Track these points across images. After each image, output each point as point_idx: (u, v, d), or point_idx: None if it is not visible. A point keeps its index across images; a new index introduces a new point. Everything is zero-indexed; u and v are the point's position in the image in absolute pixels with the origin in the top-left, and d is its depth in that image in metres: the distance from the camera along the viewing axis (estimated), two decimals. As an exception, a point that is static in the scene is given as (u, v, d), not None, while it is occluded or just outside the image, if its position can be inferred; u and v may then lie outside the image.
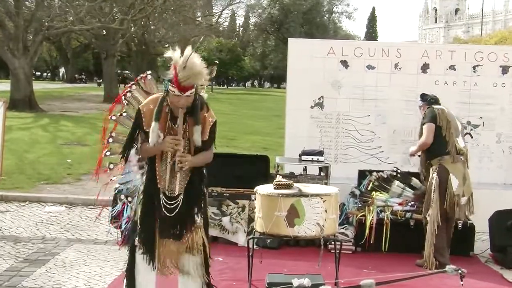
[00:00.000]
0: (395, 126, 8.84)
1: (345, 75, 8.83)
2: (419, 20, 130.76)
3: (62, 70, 79.05)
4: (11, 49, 25.84)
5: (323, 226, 4.88)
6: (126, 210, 5.33)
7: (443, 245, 6.53)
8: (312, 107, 8.85)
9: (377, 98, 8.84)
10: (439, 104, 6.80)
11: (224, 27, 76.32)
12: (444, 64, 8.81)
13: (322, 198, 4.89)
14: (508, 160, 8.86)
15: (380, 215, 7.15)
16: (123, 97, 5.45)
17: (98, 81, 62.75)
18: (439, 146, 6.51)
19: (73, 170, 11.98)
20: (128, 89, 5.47)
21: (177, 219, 4.27)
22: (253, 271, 5.42)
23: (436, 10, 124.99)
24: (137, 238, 4.32)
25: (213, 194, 7.19)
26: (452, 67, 8.81)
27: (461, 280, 3.47)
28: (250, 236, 5.56)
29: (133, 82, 5.53)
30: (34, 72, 46.91)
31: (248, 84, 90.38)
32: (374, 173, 7.63)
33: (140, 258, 4.32)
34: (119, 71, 60.90)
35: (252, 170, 7.69)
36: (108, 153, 5.58)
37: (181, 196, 4.26)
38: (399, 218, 7.13)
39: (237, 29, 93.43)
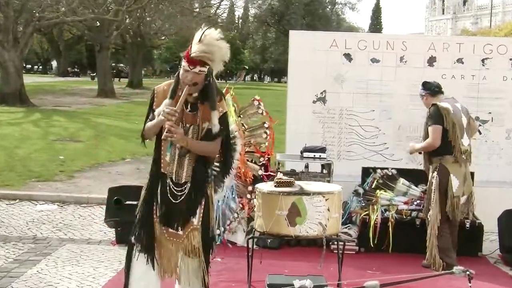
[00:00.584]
0: (400, 122, 8.84)
1: (348, 69, 8.82)
2: (425, 11, 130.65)
3: (54, 63, 79.07)
4: (0, 41, 25.82)
5: (326, 225, 4.89)
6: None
7: (448, 246, 6.53)
8: (314, 102, 8.84)
9: (382, 92, 8.84)
10: (443, 93, 6.75)
11: (223, 18, 76.19)
12: (451, 57, 8.80)
13: (324, 197, 4.89)
14: (518, 157, 8.87)
15: (385, 214, 7.16)
16: None
17: (91, 74, 62.76)
18: (442, 147, 6.49)
19: (66, 167, 11.98)
20: None
21: (181, 208, 4.28)
22: (253, 272, 5.42)
23: (443, 1, 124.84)
24: (133, 237, 4.33)
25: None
26: (460, 60, 8.81)
27: (469, 282, 3.47)
28: (250, 236, 5.56)
29: None
30: (24, 65, 46.94)
31: (247, 78, 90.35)
32: (379, 171, 7.63)
33: (141, 257, 4.33)
34: (113, 64, 60.97)
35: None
36: None
37: (188, 185, 4.27)
38: (404, 217, 7.14)
39: (236, 21, 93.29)
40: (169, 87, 4.25)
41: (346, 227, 7.20)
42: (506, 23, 69.10)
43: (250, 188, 5.81)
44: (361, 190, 7.55)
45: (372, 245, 7.04)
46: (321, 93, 8.84)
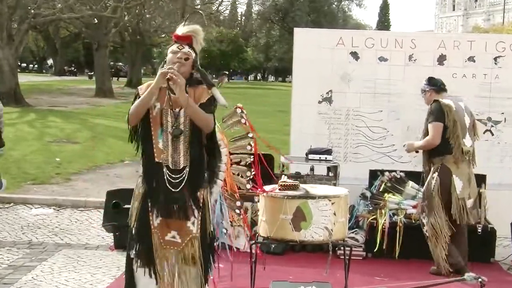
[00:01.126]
0: (409, 123, 8.82)
1: (355, 68, 8.82)
2: (435, 7, 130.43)
3: (50, 62, 79.15)
4: (-6, 38, 25.88)
5: (332, 230, 4.89)
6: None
7: (455, 252, 6.51)
8: (319, 102, 8.84)
9: (390, 92, 8.83)
10: (446, 91, 6.73)
11: (225, 15, 76.42)
12: (462, 55, 8.79)
13: (330, 200, 4.89)
14: (532, 160, 8.85)
15: (393, 219, 7.15)
16: None
17: (89, 73, 62.87)
18: (443, 146, 6.46)
19: (62, 169, 12.00)
20: None
21: (181, 196, 4.29)
22: (256, 278, 5.42)
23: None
24: (133, 251, 4.33)
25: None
26: (471, 59, 8.79)
27: (481, 289, 3.47)
28: (253, 241, 5.56)
29: None
30: (19, 63, 47.01)
31: (251, 77, 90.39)
32: (387, 173, 7.63)
33: (139, 271, 4.34)
34: (111, 63, 61.09)
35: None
36: None
37: (187, 169, 4.29)
38: (414, 222, 7.12)
39: (239, 18, 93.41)
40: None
41: (353, 232, 7.20)
42: (520, 20, 69.00)
43: (238, 203, 5.85)
44: (368, 194, 7.55)
45: (380, 251, 7.03)
46: (327, 93, 8.84)
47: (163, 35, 50.43)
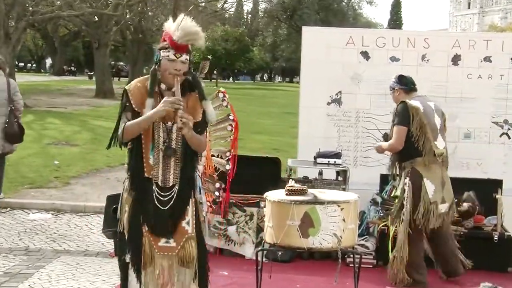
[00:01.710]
0: (422, 125, 8.81)
1: (366, 68, 8.81)
2: (449, 5, 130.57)
3: (48, 61, 79.42)
4: (-10, 37, 25.95)
5: (341, 237, 4.88)
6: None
7: (419, 262, 6.44)
8: (328, 103, 8.84)
9: (402, 93, 8.81)
10: (416, 91, 6.69)
11: (231, 13, 76.56)
12: (478, 55, 8.77)
13: (339, 206, 4.89)
14: (550, 164, 8.82)
15: (405, 225, 7.13)
16: None
17: (89, 73, 63.08)
18: (412, 149, 6.41)
19: (61, 173, 12.02)
20: None
21: (171, 214, 4.28)
22: (262, 287, 5.42)
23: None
24: (128, 255, 4.33)
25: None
26: (487, 59, 8.78)
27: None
28: (259, 248, 5.56)
29: None
30: (17, 63, 47.11)
31: (257, 77, 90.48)
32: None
33: (135, 277, 4.34)
34: (112, 62, 61.21)
35: (261, 174, 7.69)
36: None
37: (176, 187, 4.27)
38: (426, 228, 7.10)
39: (245, 16, 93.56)
40: (144, 84, 4.28)
41: (363, 239, 7.19)
42: (538, 18, 68.79)
43: (217, 185, 5.90)
44: (379, 199, 7.53)
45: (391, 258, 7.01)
46: (336, 94, 8.84)
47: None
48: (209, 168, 6.52)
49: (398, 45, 8.80)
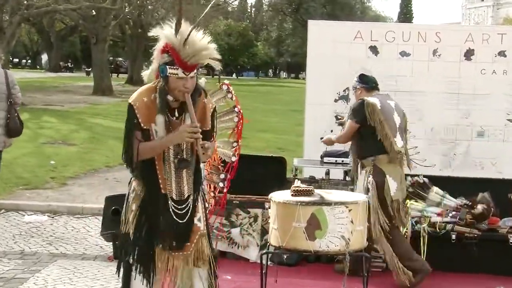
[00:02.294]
0: (433, 123, 8.81)
1: (374, 64, 8.81)
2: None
3: (44, 57, 79.50)
4: (-17, 32, 25.99)
5: (349, 239, 4.88)
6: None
7: (407, 249, 6.49)
8: (335, 100, 8.85)
9: (413, 90, 8.82)
10: (378, 90, 6.75)
11: (234, 7, 76.60)
12: (492, 50, 8.77)
13: (347, 207, 4.89)
14: None
15: (416, 227, 7.13)
16: None
17: (86, 69, 63.14)
18: (371, 146, 6.46)
19: (57, 173, 12.04)
20: None
21: (188, 224, 4.31)
22: (267, 292, 5.42)
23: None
24: (131, 257, 4.33)
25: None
26: (502, 53, 8.78)
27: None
28: (264, 251, 5.56)
29: None
30: (11, 58, 47.16)
31: (261, 73, 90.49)
32: (409, 178, 7.61)
33: (138, 279, 4.33)
34: (111, 58, 61.24)
35: (265, 174, 7.69)
36: None
37: (191, 198, 4.30)
38: (438, 231, 7.10)
39: (249, 10, 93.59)
40: (150, 98, 4.20)
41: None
42: (554, 11, 68.68)
43: (222, 176, 5.94)
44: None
45: (402, 262, 7.01)
46: (344, 90, 8.84)
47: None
48: (215, 159, 6.55)
49: (409, 40, 8.80)
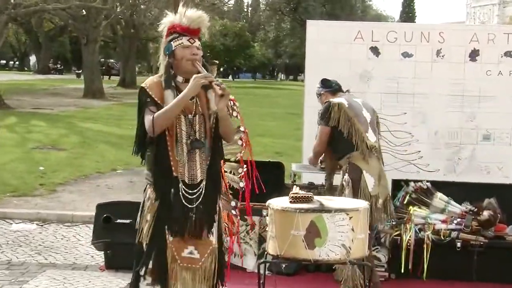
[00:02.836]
0: (437, 127, 8.82)
1: (375, 65, 8.82)
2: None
3: (32, 58, 79.50)
4: (-31, 32, 25.99)
5: (350, 248, 4.88)
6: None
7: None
8: (336, 103, 8.84)
9: (415, 92, 8.83)
10: (342, 91, 6.81)
11: (230, 6, 76.62)
12: (498, 50, 8.78)
13: (348, 214, 4.89)
14: None
15: (419, 235, 7.14)
16: None
17: (77, 71, 63.10)
18: (345, 144, 6.44)
19: (47, 179, 12.02)
20: None
21: (197, 213, 4.32)
22: (265, 302, 5.41)
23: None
24: (144, 268, 4.32)
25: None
26: (508, 54, 8.78)
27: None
28: (261, 260, 5.56)
29: None
30: (-1, 60, 47.12)
31: (258, 75, 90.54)
32: (412, 184, 7.62)
33: None
34: (102, 59, 61.22)
35: (263, 179, 7.68)
36: None
37: (204, 183, 4.32)
38: (443, 238, 7.11)
39: (245, 9, 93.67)
40: (160, 80, 4.36)
41: (374, 250, 7.19)
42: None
43: (233, 203, 5.94)
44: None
45: (405, 271, 7.02)
46: (344, 93, 8.83)
47: (160, 29, 50.49)
48: (224, 185, 6.54)
49: (411, 40, 8.81)
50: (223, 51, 62.95)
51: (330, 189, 6.85)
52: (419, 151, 8.82)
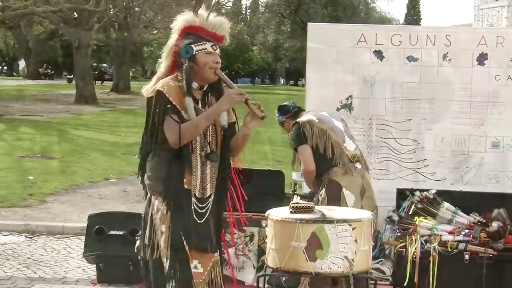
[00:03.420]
0: (443, 134, 8.81)
1: (379, 69, 8.82)
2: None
3: (22, 63, 79.53)
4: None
5: (353, 260, 4.87)
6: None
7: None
8: (338, 109, 8.84)
9: (421, 97, 8.82)
10: (304, 110, 6.83)
11: (228, 8, 76.71)
12: (507, 53, 8.78)
13: (351, 225, 4.89)
14: None
15: (425, 247, 7.13)
16: None
17: (68, 76, 63.12)
18: (323, 162, 6.40)
19: (36, 189, 12.02)
20: None
21: (207, 228, 4.33)
22: (264, 317, 5.41)
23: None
24: (171, 285, 4.30)
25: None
26: (517, 58, 8.79)
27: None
28: (261, 273, 5.55)
29: None
30: (-14, 65, 47.16)
31: (257, 80, 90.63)
32: (417, 193, 7.61)
33: None
34: (94, 64, 61.28)
35: (262, 188, 7.68)
36: None
37: (212, 197, 4.33)
38: (450, 250, 7.10)
39: (244, 12, 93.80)
40: (177, 84, 4.29)
41: (378, 262, 7.19)
42: None
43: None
44: (396, 217, 7.53)
45: (410, 284, 7.01)
46: (347, 98, 8.84)
47: (155, 32, 50.62)
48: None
49: (416, 43, 8.81)
50: (221, 55, 63.05)
51: None
52: (425, 159, 8.83)
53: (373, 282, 5.44)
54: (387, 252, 7.39)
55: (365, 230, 4.98)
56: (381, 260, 7.27)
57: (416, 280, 7.00)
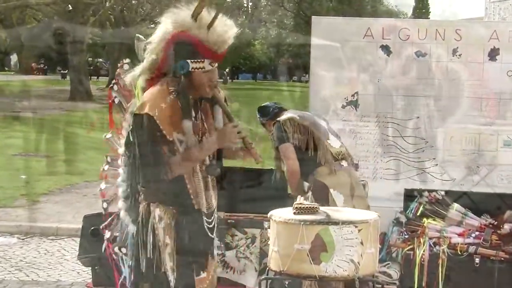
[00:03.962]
0: (453, 132, 8.81)
1: (386, 65, 8.82)
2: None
3: (14, 58, 79.50)
4: None
5: (359, 263, 4.88)
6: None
7: None
8: (343, 106, 8.84)
9: (429, 94, 8.82)
10: (285, 109, 6.78)
11: (228, 1, 76.66)
12: (520, 48, 8.78)
13: (357, 227, 4.89)
14: None
15: (434, 249, 7.14)
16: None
17: (62, 72, 63.07)
18: (306, 162, 6.39)
19: (29, 189, 12.02)
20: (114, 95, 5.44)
21: (213, 240, 4.41)
22: (266, 322, 5.42)
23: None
24: None
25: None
26: (531, 53, 8.79)
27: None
28: (263, 277, 5.56)
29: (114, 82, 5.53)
30: (-23, 60, 47.23)
31: (259, 76, 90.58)
32: (426, 194, 7.62)
33: None
34: (90, 59, 61.26)
35: (264, 189, 7.69)
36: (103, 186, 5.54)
37: (215, 210, 4.37)
38: (459, 253, 7.11)
39: (245, 4, 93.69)
40: (167, 103, 4.09)
41: (384, 265, 7.19)
42: None
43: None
44: (403, 219, 7.54)
45: (418, 289, 7.03)
46: (352, 95, 8.84)
47: (152, 25, 50.60)
48: None
49: (425, 38, 8.80)
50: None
51: None
52: (434, 158, 8.82)
53: (379, 286, 5.45)
54: (394, 255, 7.39)
55: (371, 232, 4.98)
56: (388, 263, 7.27)
57: (424, 284, 7.01)
